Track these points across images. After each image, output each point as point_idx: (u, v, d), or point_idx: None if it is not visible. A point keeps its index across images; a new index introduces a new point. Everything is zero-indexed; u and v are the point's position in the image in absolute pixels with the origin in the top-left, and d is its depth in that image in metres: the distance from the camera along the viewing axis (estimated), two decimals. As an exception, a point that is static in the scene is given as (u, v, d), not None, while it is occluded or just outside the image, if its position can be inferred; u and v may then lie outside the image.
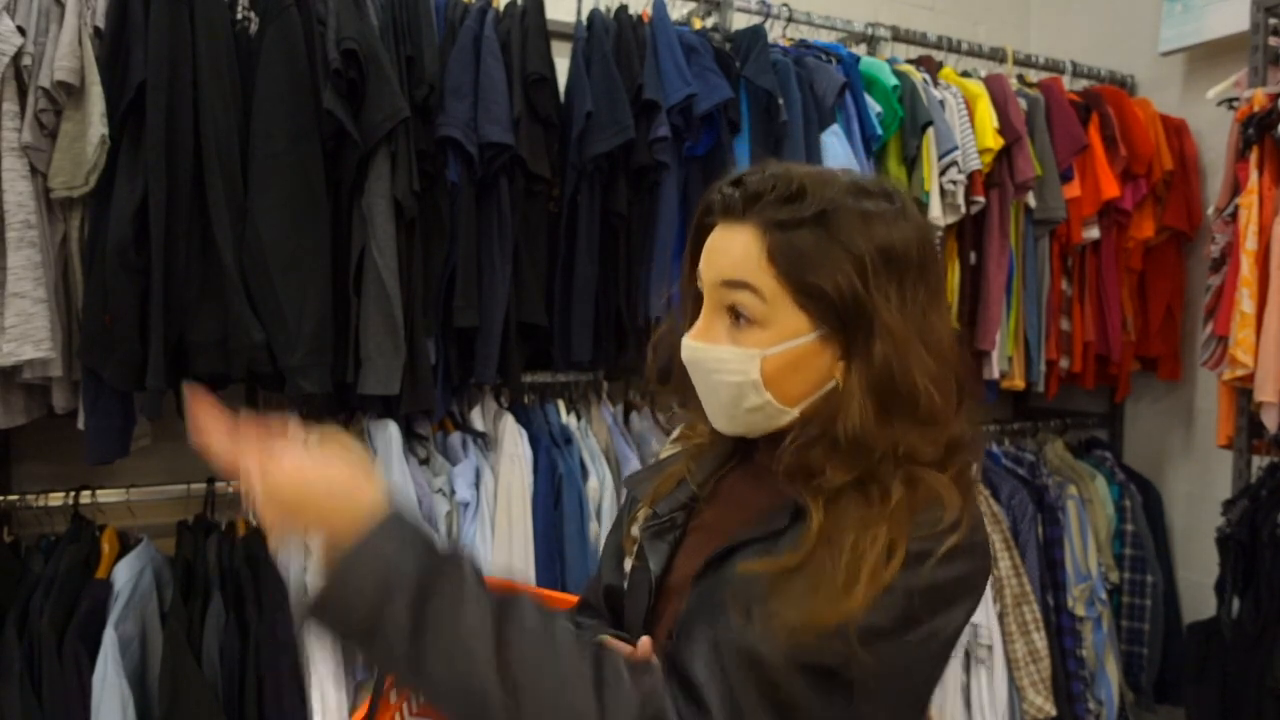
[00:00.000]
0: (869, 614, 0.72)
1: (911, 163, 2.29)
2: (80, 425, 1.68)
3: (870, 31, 2.55)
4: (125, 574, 1.70)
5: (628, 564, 0.96)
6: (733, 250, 0.83)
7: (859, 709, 0.74)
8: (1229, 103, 2.46)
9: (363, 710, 0.97)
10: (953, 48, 2.65)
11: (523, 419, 2.09)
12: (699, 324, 0.86)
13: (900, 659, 0.75)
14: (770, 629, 0.73)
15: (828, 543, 0.76)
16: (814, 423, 0.83)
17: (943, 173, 2.31)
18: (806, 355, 0.83)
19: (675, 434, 1.05)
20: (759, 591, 0.76)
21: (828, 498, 0.79)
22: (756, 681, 0.71)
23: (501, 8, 1.99)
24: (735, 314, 0.83)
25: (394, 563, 0.70)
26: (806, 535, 0.78)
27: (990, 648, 2.37)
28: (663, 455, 1.05)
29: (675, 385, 0.93)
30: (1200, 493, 2.80)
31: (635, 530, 0.96)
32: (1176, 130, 2.77)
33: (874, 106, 2.28)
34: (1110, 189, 2.58)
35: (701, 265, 0.86)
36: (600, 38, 2.04)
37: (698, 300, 0.88)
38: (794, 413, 0.84)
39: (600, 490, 2.09)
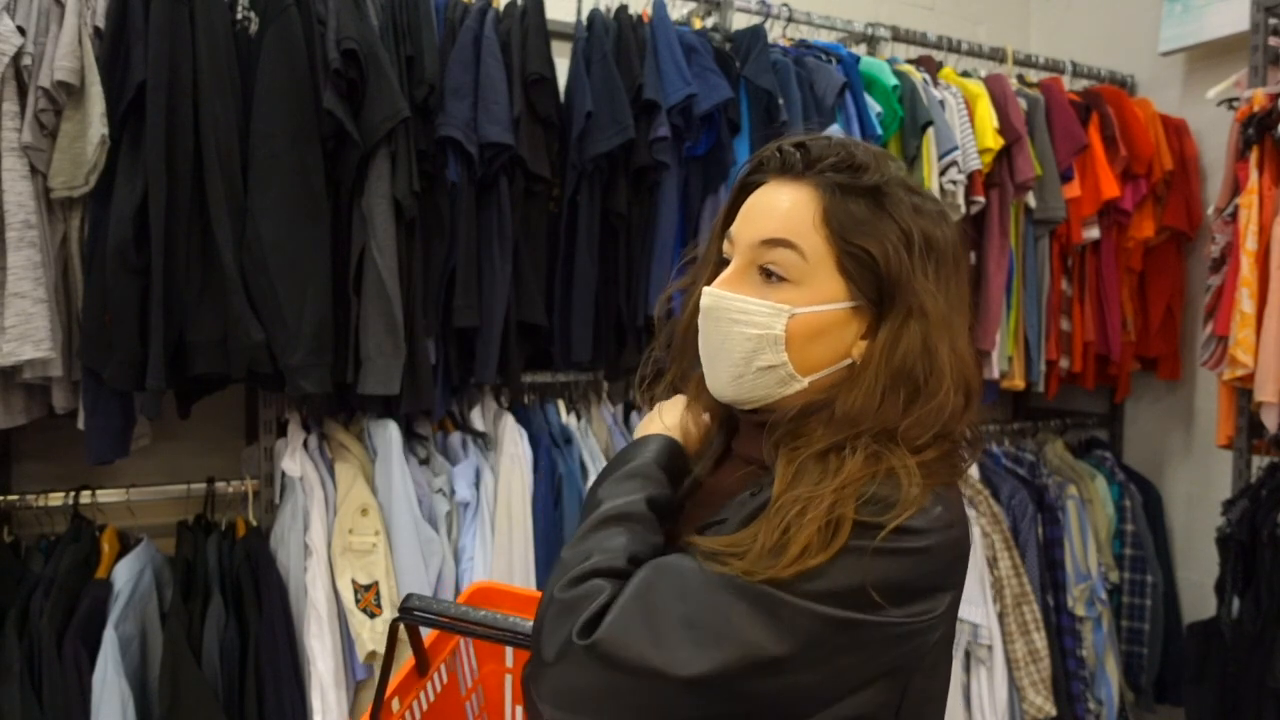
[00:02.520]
0: (800, 579, 0.71)
1: (911, 163, 2.29)
2: (80, 425, 1.68)
3: (870, 31, 2.55)
4: (125, 574, 1.71)
5: None
6: (781, 207, 0.83)
7: (793, 661, 0.71)
8: (1229, 103, 2.46)
9: (366, 715, 0.97)
10: (953, 48, 2.65)
11: (523, 419, 2.09)
12: (726, 275, 0.84)
13: (829, 632, 0.71)
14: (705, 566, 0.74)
15: (777, 508, 0.75)
16: (820, 396, 0.82)
17: (943, 173, 2.31)
18: (834, 324, 0.82)
19: None
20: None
21: (793, 460, 0.78)
22: (679, 587, 0.73)
23: (501, 8, 1.99)
24: (769, 273, 0.82)
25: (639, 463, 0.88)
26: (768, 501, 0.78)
27: (990, 648, 2.37)
28: None
29: (674, 355, 0.93)
30: (1200, 493, 2.80)
31: None
32: (1176, 130, 2.77)
33: (874, 106, 2.28)
34: (1110, 189, 2.58)
35: (738, 223, 0.86)
36: (600, 38, 2.04)
37: (720, 265, 0.88)
38: (804, 383, 0.83)
39: (600, 490, 2.09)
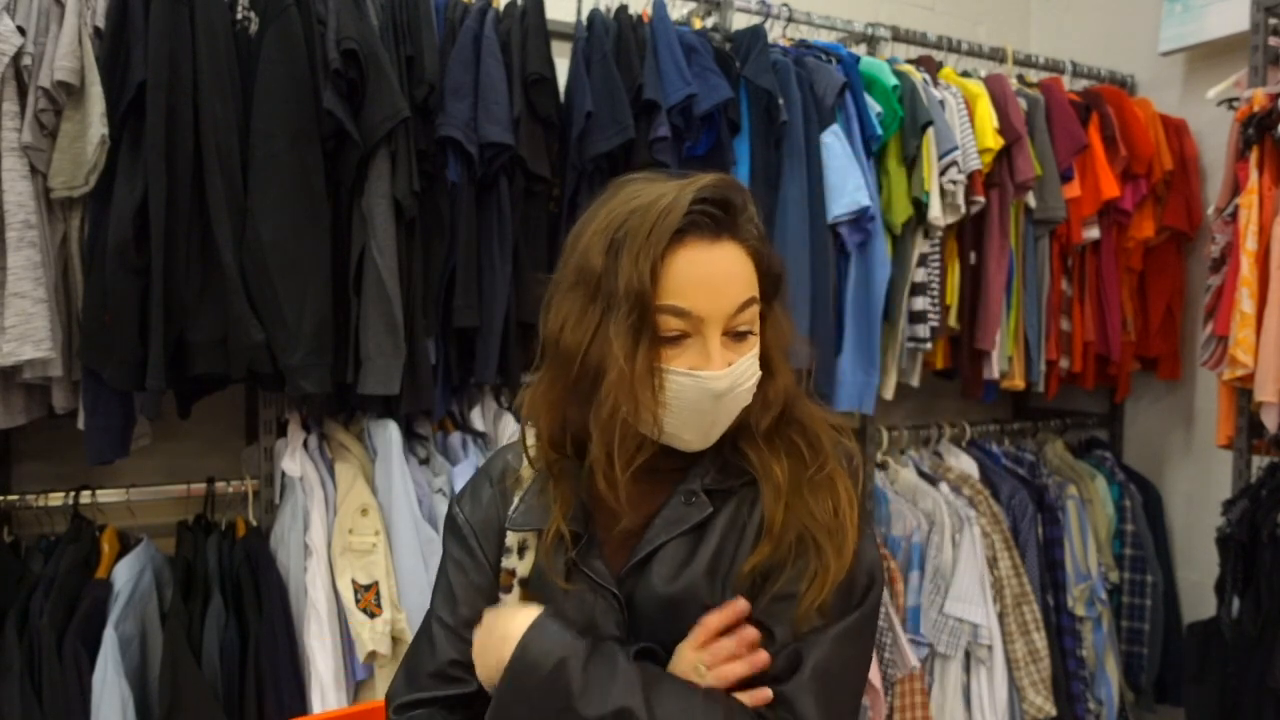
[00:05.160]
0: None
1: (911, 163, 2.29)
2: (80, 425, 1.68)
3: (870, 31, 2.55)
4: (125, 574, 1.71)
5: (510, 601, 0.92)
6: (734, 270, 0.85)
7: (869, 639, 0.89)
8: (1229, 103, 2.46)
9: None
10: (953, 48, 2.65)
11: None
12: (715, 355, 0.83)
13: (878, 571, 0.90)
14: (803, 620, 0.83)
15: (799, 506, 0.86)
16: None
17: (943, 173, 2.31)
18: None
19: (531, 451, 0.96)
20: (775, 589, 0.85)
21: (770, 451, 0.89)
22: (834, 690, 0.83)
23: (501, 8, 1.99)
24: (742, 333, 0.87)
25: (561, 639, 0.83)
26: (772, 494, 0.87)
27: (990, 648, 2.37)
28: (524, 480, 0.97)
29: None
30: (1200, 493, 2.80)
31: (515, 565, 0.93)
32: (1176, 130, 2.77)
33: (874, 106, 2.28)
34: (1110, 189, 2.58)
35: (696, 298, 0.83)
36: (600, 38, 2.04)
37: (656, 337, 0.84)
38: None
39: (600, 490, 2.09)
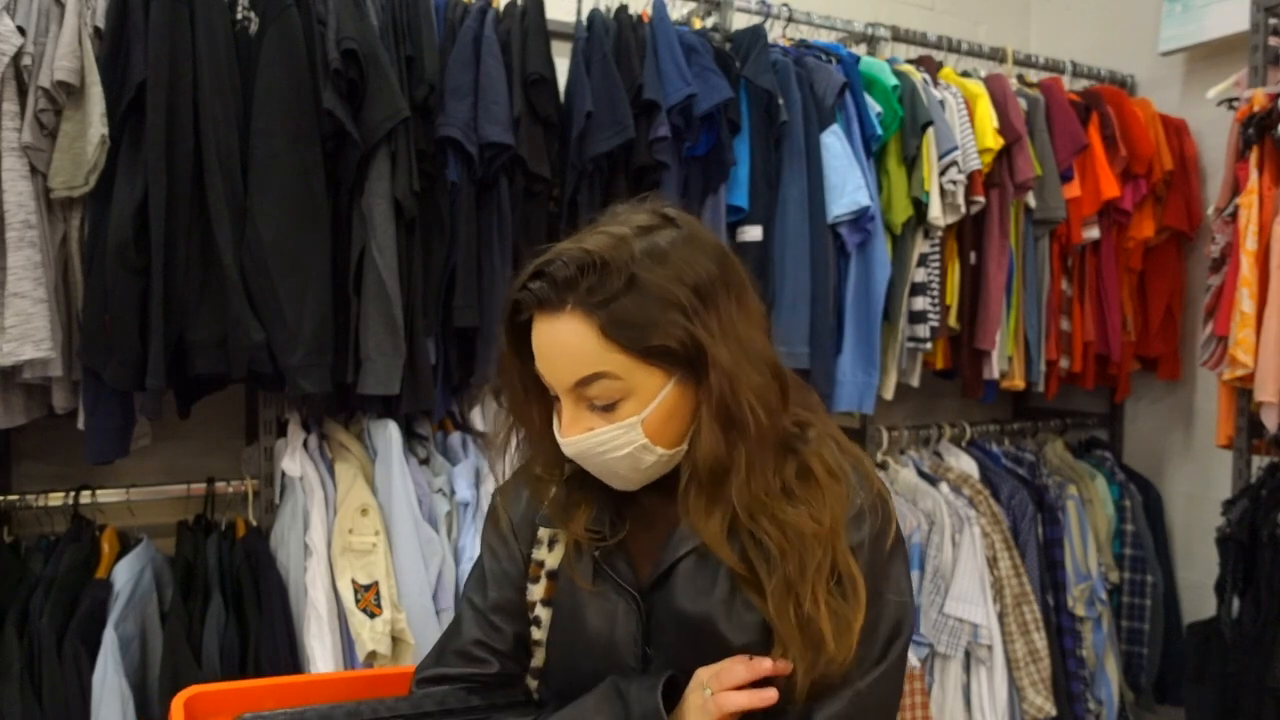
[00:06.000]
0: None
1: (911, 163, 2.29)
2: (80, 425, 1.68)
3: (870, 31, 2.55)
4: (125, 574, 1.71)
5: (536, 592, 0.97)
6: (568, 345, 0.84)
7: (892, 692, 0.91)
8: (1229, 103, 2.46)
9: None
10: (953, 48, 2.65)
11: (523, 419, 2.09)
12: (567, 420, 0.88)
13: (905, 620, 0.91)
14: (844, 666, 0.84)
15: (794, 605, 0.84)
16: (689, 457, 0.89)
17: (943, 173, 2.31)
18: (673, 402, 0.87)
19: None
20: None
21: (752, 543, 0.87)
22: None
23: (501, 8, 1.99)
24: (599, 406, 0.86)
25: None
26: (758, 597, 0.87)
27: (990, 648, 2.37)
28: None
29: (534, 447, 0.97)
30: (1200, 493, 2.80)
31: (544, 558, 0.98)
32: (1176, 130, 2.77)
33: (874, 106, 2.28)
34: (1110, 189, 2.58)
35: (541, 366, 0.87)
36: (600, 38, 2.04)
37: (536, 385, 0.91)
38: (683, 448, 0.90)
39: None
